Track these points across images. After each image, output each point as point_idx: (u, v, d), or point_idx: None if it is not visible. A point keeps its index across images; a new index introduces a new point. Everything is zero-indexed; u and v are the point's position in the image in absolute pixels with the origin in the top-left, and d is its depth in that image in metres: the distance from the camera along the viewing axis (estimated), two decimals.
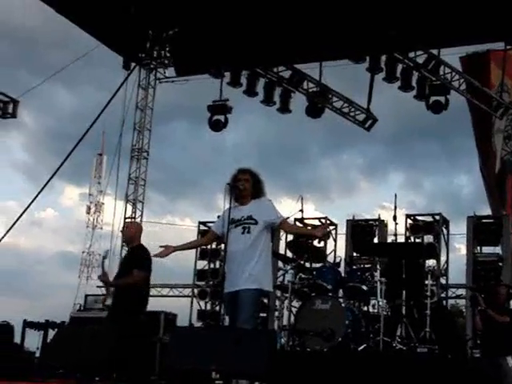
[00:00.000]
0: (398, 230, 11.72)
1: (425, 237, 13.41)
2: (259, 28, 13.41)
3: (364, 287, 9.12)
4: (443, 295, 13.58)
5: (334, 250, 14.29)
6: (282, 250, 13.63)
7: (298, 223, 13.07)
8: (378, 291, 8.86)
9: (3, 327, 11.26)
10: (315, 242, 14.11)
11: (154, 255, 6.92)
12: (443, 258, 13.41)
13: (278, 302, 11.81)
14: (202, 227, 14.96)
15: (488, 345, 9.14)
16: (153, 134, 18.63)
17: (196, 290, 15.54)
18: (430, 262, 12.79)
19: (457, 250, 19.02)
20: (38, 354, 10.88)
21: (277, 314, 10.19)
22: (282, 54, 14.35)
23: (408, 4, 12.20)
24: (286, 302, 9.39)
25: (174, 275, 18.58)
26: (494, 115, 16.05)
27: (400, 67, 14.48)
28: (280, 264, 12.48)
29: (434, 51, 14.47)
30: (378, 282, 8.88)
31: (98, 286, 18.22)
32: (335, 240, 14.50)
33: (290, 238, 13.91)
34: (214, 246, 15.05)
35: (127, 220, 16.63)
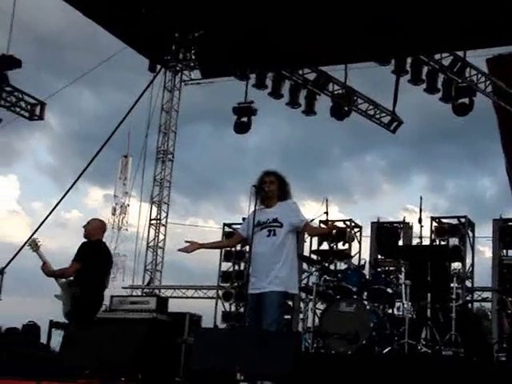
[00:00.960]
0: (422, 232, 11.67)
1: (450, 239, 13.34)
2: (284, 30, 13.41)
3: (389, 290, 9.10)
4: (468, 298, 13.51)
5: (359, 253, 14.26)
6: (306, 253, 13.62)
7: (322, 225, 13.06)
8: (403, 294, 8.83)
9: (30, 327, 11.35)
10: (340, 245, 14.13)
11: (178, 249, 6.92)
12: (468, 261, 13.35)
13: (302, 304, 11.78)
14: (227, 229, 15.01)
15: None
16: (177, 136, 18.75)
17: (220, 292, 15.57)
18: (456, 265, 12.74)
19: (480, 253, 18.87)
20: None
21: (301, 316, 10.19)
22: (307, 56, 14.35)
23: (434, 6, 12.15)
24: (311, 304, 9.40)
25: (199, 277, 18.72)
26: None
27: (425, 69, 14.44)
28: (305, 266, 12.49)
29: (460, 53, 14.41)
30: (403, 285, 8.85)
31: (123, 288, 18.43)
32: (360, 242, 14.48)
33: (315, 244, 13.96)
34: (238, 247, 15.08)
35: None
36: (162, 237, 18.50)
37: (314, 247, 14.04)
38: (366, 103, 16.35)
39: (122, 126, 14.55)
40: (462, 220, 13.52)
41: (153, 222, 18.46)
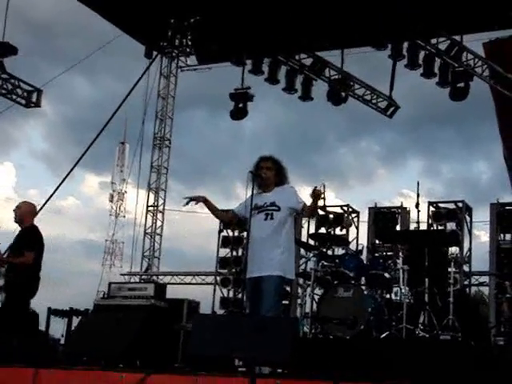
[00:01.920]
0: (420, 217, 11.66)
1: (447, 224, 13.34)
2: (281, 15, 13.38)
3: (386, 275, 9.11)
4: (466, 282, 13.51)
5: (357, 238, 14.23)
6: (304, 238, 13.62)
7: (320, 211, 13.05)
8: (401, 279, 8.83)
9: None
10: (337, 230, 14.13)
11: (185, 197, 6.95)
12: (466, 246, 13.34)
13: (300, 290, 11.82)
14: None
15: None
16: (173, 123, 18.70)
17: (218, 278, 15.57)
18: (453, 250, 12.72)
19: (476, 238, 18.88)
20: (62, 342, 10.98)
21: (299, 301, 10.21)
22: (303, 41, 14.33)
23: None
24: (309, 289, 9.41)
25: (197, 263, 18.68)
26: None
27: (422, 54, 14.41)
28: (302, 251, 12.48)
29: (457, 37, 14.36)
30: (401, 270, 8.85)
31: (121, 274, 18.44)
32: (357, 227, 14.45)
33: (312, 229, 13.93)
34: (236, 233, 15.10)
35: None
36: (159, 223, 18.50)
37: (312, 232, 14.00)
38: (362, 88, 16.31)
39: (118, 113, 14.54)
40: (460, 205, 13.50)
41: (150, 208, 18.44)
